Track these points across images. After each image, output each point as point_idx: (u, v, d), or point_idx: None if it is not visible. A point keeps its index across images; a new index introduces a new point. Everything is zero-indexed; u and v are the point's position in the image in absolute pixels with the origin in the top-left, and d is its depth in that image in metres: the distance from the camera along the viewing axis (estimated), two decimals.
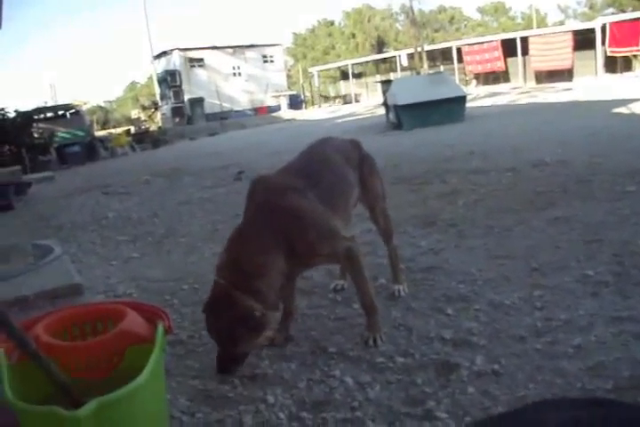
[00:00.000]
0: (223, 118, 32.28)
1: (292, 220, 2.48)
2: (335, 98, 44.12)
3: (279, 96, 38.17)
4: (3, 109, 18.61)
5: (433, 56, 37.37)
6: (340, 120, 23.25)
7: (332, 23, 63.18)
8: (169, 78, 37.18)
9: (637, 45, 27.39)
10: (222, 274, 2.40)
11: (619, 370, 2.14)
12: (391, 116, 15.05)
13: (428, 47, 35.90)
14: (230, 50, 39.47)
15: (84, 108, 27.64)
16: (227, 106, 37.68)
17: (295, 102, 39.09)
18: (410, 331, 2.69)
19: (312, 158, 2.90)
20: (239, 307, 2.29)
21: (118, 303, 2.00)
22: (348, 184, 2.88)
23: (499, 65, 31.83)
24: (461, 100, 14.16)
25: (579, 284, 3.02)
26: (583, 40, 29.26)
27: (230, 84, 38.96)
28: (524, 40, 30.75)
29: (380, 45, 56.93)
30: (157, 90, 38.51)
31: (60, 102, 27.79)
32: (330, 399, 2.18)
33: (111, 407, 1.45)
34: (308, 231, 2.49)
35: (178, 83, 37.23)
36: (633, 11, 33.17)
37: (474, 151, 8.26)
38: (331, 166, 2.84)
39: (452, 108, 13.71)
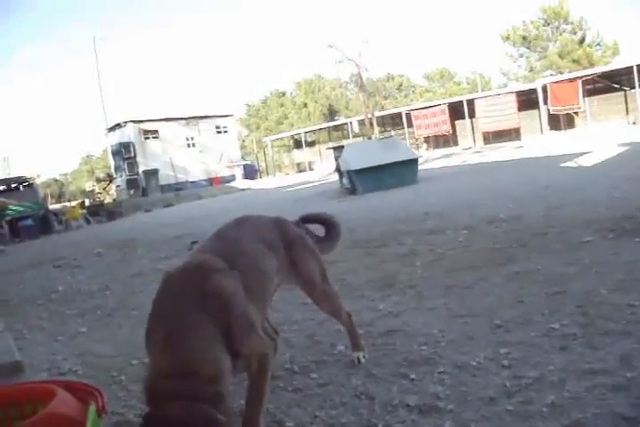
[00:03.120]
0: (178, 189, 32.33)
1: (223, 307, 2.07)
2: (289, 167, 44.65)
3: (233, 166, 38.40)
4: None
5: (383, 122, 38.38)
6: (294, 188, 23.40)
7: (283, 93, 64.69)
8: (123, 150, 37.27)
9: (577, 103, 28.62)
10: (166, 385, 1.84)
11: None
12: (345, 181, 15.18)
13: (378, 113, 36.85)
14: (184, 121, 39.93)
15: (38, 180, 27.42)
16: (181, 177, 37.81)
17: (250, 172, 39.41)
18: (372, 399, 2.53)
19: (229, 239, 2.55)
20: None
21: (50, 383, 1.83)
22: (268, 270, 2.52)
23: (445, 128, 32.83)
24: (413, 162, 14.41)
25: (545, 338, 2.92)
26: (527, 100, 30.62)
27: (184, 155, 39.20)
28: (471, 103, 31.98)
29: (332, 113, 58.23)
30: (112, 162, 38.53)
31: (13, 175, 27.58)
32: None
33: None
34: (236, 322, 2.09)
35: (132, 155, 37.31)
36: (569, 72, 34.79)
37: (428, 212, 8.29)
38: (249, 250, 2.49)
39: (404, 170, 13.89)
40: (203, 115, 41.60)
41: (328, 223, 3.08)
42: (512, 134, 31.57)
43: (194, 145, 40.11)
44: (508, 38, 47.05)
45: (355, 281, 4.88)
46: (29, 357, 3.85)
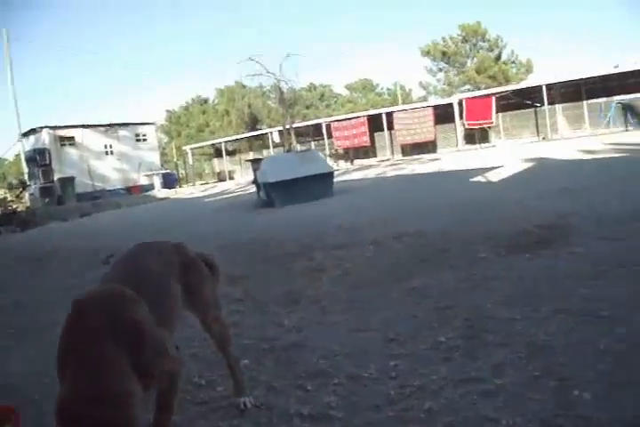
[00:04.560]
0: (96, 198, 31.64)
1: (134, 334, 2.13)
2: (209, 176, 44.37)
3: (152, 175, 37.87)
4: None
5: (304, 132, 38.64)
6: (213, 198, 23.34)
7: (205, 101, 64.14)
8: (38, 157, 36.10)
9: (490, 118, 29.71)
10: (76, 411, 1.88)
11: None
12: (262, 193, 15.23)
13: (298, 124, 37.17)
14: (102, 128, 39.07)
15: None
16: (99, 185, 36.98)
17: (169, 181, 38.83)
18: (271, 410, 2.75)
19: (133, 267, 2.61)
20: None
21: None
22: (173, 294, 2.61)
23: (364, 140, 33.33)
24: (329, 176, 14.61)
25: (432, 350, 3.20)
26: (444, 114, 31.49)
27: (103, 163, 38.39)
28: (390, 115, 32.54)
29: (254, 122, 58.12)
30: (25, 169, 37.34)
31: None
32: None
33: None
34: (148, 347, 2.14)
35: (47, 162, 36.20)
36: (486, 88, 36.05)
37: (340, 226, 8.48)
38: (154, 275, 2.56)
39: (320, 184, 14.03)
40: (122, 122, 40.95)
41: (209, 263, 3.13)
42: (429, 147, 32.40)
43: (112, 153, 39.30)
44: (428, 53, 48.26)
45: (262, 296, 5.05)
46: None
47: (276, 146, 37.58)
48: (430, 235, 6.75)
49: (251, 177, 17.82)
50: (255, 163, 16.71)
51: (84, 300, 2.19)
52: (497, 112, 30.55)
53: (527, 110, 31.91)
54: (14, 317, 5.83)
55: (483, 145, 31.40)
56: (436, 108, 31.96)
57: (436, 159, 24.93)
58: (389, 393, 2.73)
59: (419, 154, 31.03)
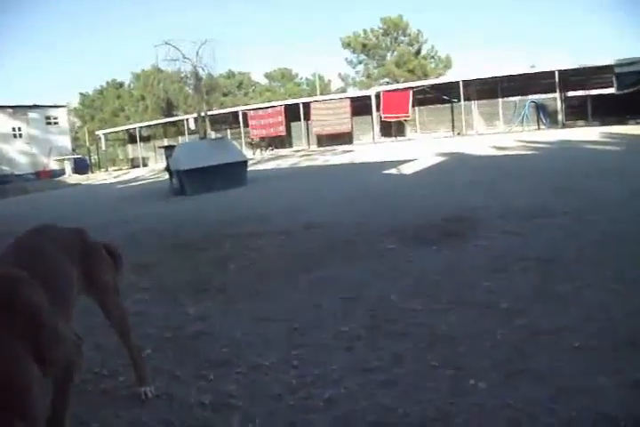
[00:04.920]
0: (3, 182, 30.46)
1: (28, 318, 2.02)
2: (123, 162, 43.42)
3: (63, 160, 36.72)
4: None
5: (221, 120, 38.30)
6: (125, 185, 22.90)
7: (121, 85, 62.44)
8: None
9: (406, 112, 30.23)
10: None
11: (365, 416, 2.37)
12: (174, 181, 15.03)
13: (215, 111, 36.76)
14: (10, 110, 37.53)
15: None
16: (6, 169, 35.59)
17: (81, 166, 37.77)
18: (172, 399, 2.74)
19: (28, 250, 2.52)
20: None
21: None
22: (69, 279, 2.54)
23: (280, 129, 33.30)
24: (243, 164, 14.57)
25: (334, 340, 3.24)
26: (361, 106, 31.79)
27: (10, 146, 36.93)
28: (307, 106, 32.57)
29: (170, 108, 57.10)
30: None
31: None
32: None
33: None
34: (43, 331, 2.04)
35: None
36: (404, 81, 36.65)
37: (250, 215, 8.51)
38: (49, 259, 2.50)
39: (233, 172, 14.00)
40: (32, 104, 39.47)
41: (111, 251, 3.06)
42: (345, 138, 32.64)
43: (20, 136, 37.94)
44: (349, 45, 48.59)
45: (170, 285, 5.01)
46: None
47: (191, 133, 37.08)
48: (340, 226, 6.85)
49: (164, 164, 17.53)
50: (168, 149, 16.41)
51: None
52: (414, 106, 31.13)
53: (444, 105, 32.63)
54: None
55: (399, 138, 31.92)
56: (353, 99, 32.24)
57: (351, 151, 25.18)
58: (291, 382, 2.76)
59: (334, 144, 31.23)
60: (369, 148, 26.31)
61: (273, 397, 2.64)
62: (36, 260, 2.43)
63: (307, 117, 33.01)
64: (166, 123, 42.31)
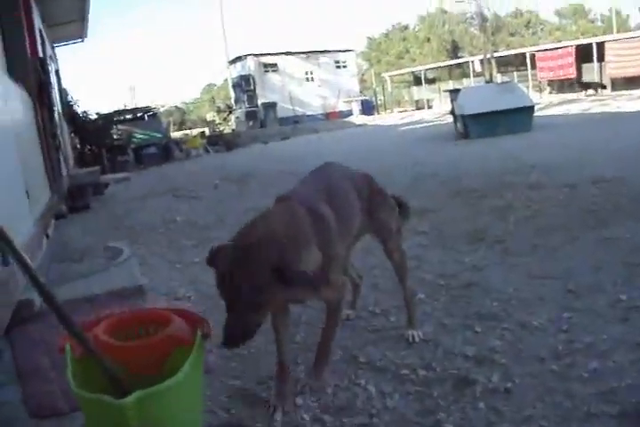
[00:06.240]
0: (295, 122, 32.75)
1: (326, 229, 2.36)
2: (407, 103, 44.10)
3: (351, 101, 38.40)
4: (85, 112, 19.50)
5: (507, 62, 36.96)
6: (409, 127, 23.31)
7: (406, 27, 63.06)
8: (243, 83, 38.09)
9: None
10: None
11: (628, 396, 2.18)
12: (459, 125, 15.11)
13: (501, 53, 35.55)
14: (304, 55, 40.12)
15: (162, 109, 28.53)
16: (299, 110, 38.23)
17: (367, 107, 39.27)
18: (437, 346, 2.82)
19: (325, 180, 2.73)
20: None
21: (167, 310, 2.23)
22: (355, 215, 2.74)
23: (570, 71, 31.10)
24: (529, 110, 14.12)
25: (610, 308, 3.04)
26: None
27: (303, 89, 39.59)
28: (601, 46, 30.01)
29: (455, 50, 56.47)
30: (232, 94, 39.41)
31: (139, 104, 28.86)
32: (352, 405, 2.35)
33: (151, 398, 1.68)
34: (330, 249, 2.34)
35: (252, 87, 38.09)
36: None
37: (535, 164, 8.23)
38: (341, 191, 2.69)
39: (519, 118, 13.66)
40: (323, 49, 41.68)
41: (401, 202, 3.21)
42: None
43: (313, 79, 40.40)
44: None
45: (448, 232, 5.10)
46: (151, 281, 4.35)
47: (476, 75, 36.38)
48: (631, 182, 6.30)
49: (449, 107, 17.57)
50: (453, 93, 16.37)
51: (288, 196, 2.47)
52: None
53: None
54: (217, 233, 6.17)
55: None
56: None
57: None
58: (557, 346, 2.67)
59: (631, 89, 28.37)
60: None
61: (537, 358, 2.58)
62: (331, 191, 2.62)
63: (600, 59, 30.42)
64: (451, 65, 41.94)
